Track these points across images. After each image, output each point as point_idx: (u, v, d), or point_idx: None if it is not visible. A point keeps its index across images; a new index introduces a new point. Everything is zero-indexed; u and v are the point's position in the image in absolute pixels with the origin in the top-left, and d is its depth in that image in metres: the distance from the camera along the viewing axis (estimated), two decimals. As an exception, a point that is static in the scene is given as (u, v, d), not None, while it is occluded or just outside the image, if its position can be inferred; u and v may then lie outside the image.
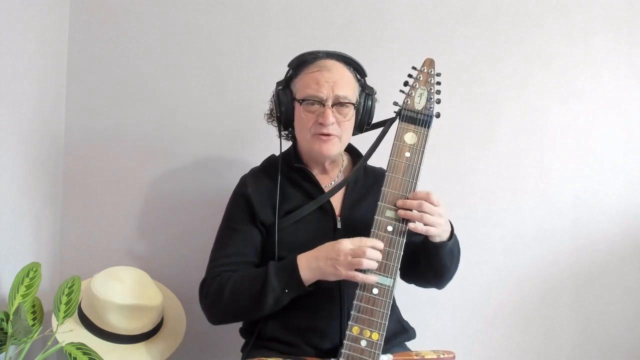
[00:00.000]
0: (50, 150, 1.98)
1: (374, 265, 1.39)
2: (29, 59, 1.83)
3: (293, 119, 1.61)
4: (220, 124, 2.04)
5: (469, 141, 2.06)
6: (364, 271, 1.39)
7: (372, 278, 1.39)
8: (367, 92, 1.62)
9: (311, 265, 1.45)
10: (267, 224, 1.59)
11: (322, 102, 1.54)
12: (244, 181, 1.68)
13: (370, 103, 1.62)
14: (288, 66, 1.63)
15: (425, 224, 1.43)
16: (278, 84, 1.64)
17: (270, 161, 1.71)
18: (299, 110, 1.58)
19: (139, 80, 2.04)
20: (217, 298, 1.53)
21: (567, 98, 2.06)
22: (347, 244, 1.41)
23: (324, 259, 1.43)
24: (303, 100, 1.56)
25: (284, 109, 1.60)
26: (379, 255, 1.39)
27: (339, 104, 1.55)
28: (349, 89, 1.57)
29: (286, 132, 1.69)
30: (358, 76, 1.61)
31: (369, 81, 1.64)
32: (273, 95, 1.66)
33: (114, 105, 2.04)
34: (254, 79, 2.02)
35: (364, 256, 1.38)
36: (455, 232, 1.54)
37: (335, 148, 1.58)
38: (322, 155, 1.59)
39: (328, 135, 1.55)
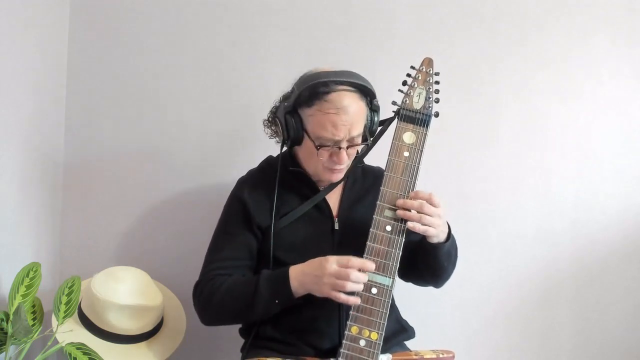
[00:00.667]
0: (50, 150, 1.98)
1: (357, 288, 1.38)
2: (29, 59, 1.83)
3: (300, 143, 1.56)
4: (220, 124, 2.04)
5: (469, 141, 2.05)
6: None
7: (353, 300, 1.38)
8: (373, 109, 1.57)
9: (299, 278, 1.45)
10: (264, 227, 1.59)
11: (337, 145, 1.52)
12: (240, 184, 1.68)
13: (376, 119, 1.58)
14: (296, 88, 1.54)
15: (423, 224, 1.43)
16: (285, 105, 1.55)
17: (268, 163, 1.71)
18: (312, 146, 1.52)
19: (139, 80, 2.04)
20: (209, 302, 1.54)
21: (567, 98, 2.06)
22: (333, 264, 1.39)
23: (310, 275, 1.43)
24: (320, 144, 1.51)
25: (292, 135, 1.54)
26: (364, 278, 1.38)
27: (352, 143, 1.53)
28: (362, 123, 1.53)
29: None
30: (368, 99, 1.55)
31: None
32: (276, 111, 1.61)
33: (114, 105, 2.04)
34: (254, 79, 2.02)
35: (347, 279, 1.37)
36: (452, 233, 1.54)
37: (343, 174, 1.60)
38: (331, 182, 1.60)
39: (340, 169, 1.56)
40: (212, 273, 1.58)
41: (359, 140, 1.54)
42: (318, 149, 1.51)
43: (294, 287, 1.45)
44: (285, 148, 1.64)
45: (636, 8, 2.06)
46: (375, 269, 1.39)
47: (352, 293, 1.38)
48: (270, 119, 1.66)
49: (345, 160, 1.54)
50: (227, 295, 1.52)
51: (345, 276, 1.36)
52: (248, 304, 1.48)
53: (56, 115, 2.01)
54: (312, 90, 1.49)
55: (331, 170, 1.56)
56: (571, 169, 2.06)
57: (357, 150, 1.61)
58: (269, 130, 1.68)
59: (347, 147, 1.53)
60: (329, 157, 1.53)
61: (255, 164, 1.75)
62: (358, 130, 1.52)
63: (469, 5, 2.06)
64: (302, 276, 1.45)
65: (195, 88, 2.04)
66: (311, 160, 1.57)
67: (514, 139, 2.06)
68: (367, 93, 1.53)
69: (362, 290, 1.39)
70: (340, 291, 1.38)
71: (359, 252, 1.41)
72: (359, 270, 1.38)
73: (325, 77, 1.50)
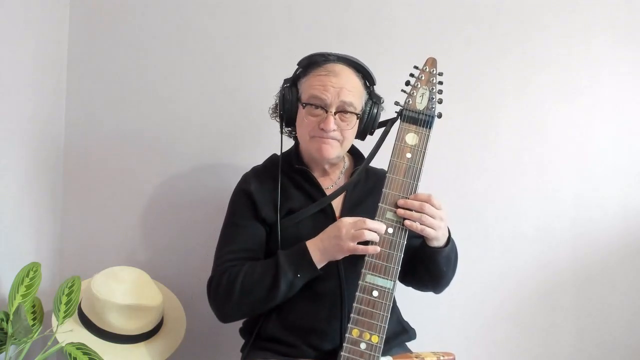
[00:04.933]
0: (50, 150, 1.98)
1: (375, 237, 1.40)
2: (29, 59, 1.83)
3: (295, 118, 1.61)
4: (220, 124, 2.04)
5: (469, 141, 2.05)
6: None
7: (373, 248, 1.39)
8: (373, 101, 1.60)
9: (318, 246, 1.47)
10: (269, 222, 1.59)
11: (325, 108, 1.53)
12: (246, 178, 1.67)
13: (375, 111, 1.60)
14: (297, 65, 1.61)
15: (422, 225, 1.43)
16: (285, 80, 1.63)
17: (272, 160, 1.71)
18: (302, 112, 1.57)
19: (139, 80, 2.04)
20: (229, 293, 1.51)
21: (567, 98, 2.06)
22: (348, 219, 1.44)
23: (328, 238, 1.46)
24: (307, 103, 1.54)
25: (287, 107, 1.59)
26: (381, 228, 1.40)
27: (342, 111, 1.53)
28: (355, 96, 1.54)
29: (289, 129, 1.69)
30: (367, 83, 1.59)
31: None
32: (280, 91, 1.65)
33: (114, 105, 2.04)
34: (255, 80, 2.02)
35: (364, 226, 1.40)
36: (453, 237, 1.54)
37: (334, 151, 1.57)
38: (321, 157, 1.57)
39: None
40: (225, 265, 1.55)
41: (351, 110, 1.54)
42: (304, 107, 1.54)
43: (315, 257, 1.46)
44: (285, 132, 1.66)
45: (636, 8, 2.06)
46: (376, 272, 1.39)
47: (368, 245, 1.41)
48: (275, 103, 1.68)
49: (332, 128, 1.52)
50: (247, 281, 1.50)
51: (362, 224, 1.40)
52: (271, 285, 1.47)
53: (56, 116, 2.01)
54: (310, 60, 1.57)
55: (320, 139, 1.55)
56: (571, 169, 2.06)
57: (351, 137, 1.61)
58: (274, 114, 1.69)
59: (336, 113, 1.53)
60: (317, 125, 1.54)
61: (255, 163, 1.75)
62: (348, 97, 1.53)
63: (469, 5, 2.06)
64: (320, 243, 1.47)
65: (195, 87, 2.04)
66: (303, 134, 1.58)
67: (514, 138, 2.06)
68: (365, 75, 1.58)
69: (364, 293, 1.38)
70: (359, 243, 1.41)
71: (362, 252, 1.43)
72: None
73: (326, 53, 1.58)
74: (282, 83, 1.64)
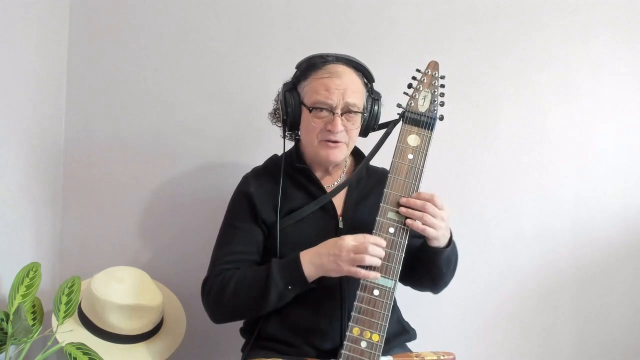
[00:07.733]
0: (50, 150, 1.98)
1: (376, 262, 1.38)
2: (29, 60, 1.83)
3: (299, 122, 1.60)
4: (220, 125, 2.04)
5: (469, 141, 2.06)
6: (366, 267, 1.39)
7: (374, 274, 1.38)
8: (373, 98, 1.61)
9: (314, 261, 1.45)
10: (269, 223, 1.59)
11: (331, 110, 1.53)
12: (246, 179, 1.67)
13: (376, 108, 1.61)
14: (296, 68, 1.61)
15: (424, 224, 1.42)
16: (285, 85, 1.62)
17: (273, 161, 1.71)
18: (307, 116, 1.56)
19: (139, 80, 2.04)
20: (220, 296, 1.52)
21: (567, 98, 2.06)
22: (350, 240, 1.41)
23: (327, 255, 1.43)
24: (312, 107, 1.54)
25: (290, 111, 1.58)
26: (381, 252, 1.39)
27: (347, 111, 1.54)
28: (358, 95, 1.55)
29: (290, 133, 1.68)
30: (366, 81, 1.60)
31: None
32: (278, 95, 1.65)
33: (114, 105, 2.04)
34: (255, 81, 2.02)
35: (366, 252, 1.38)
36: (454, 239, 1.54)
37: (341, 154, 1.58)
38: (329, 161, 1.59)
39: (335, 142, 1.55)
40: (220, 268, 1.56)
41: (355, 110, 1.55)
42: (311, 111, 1.53)
43: (308, 270, 1.44)
44: (287, 135, 1.66)
45: (636, 8, 2.06)
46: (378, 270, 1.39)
47: (369, 269, 1.39)
48: (274, 108, 1.68)
49: (340, 129, 1.53)
50: (238, 287, 1.50)
51: (364, 249, 1.38)
52: (261, 294, 1.47)
53: (56, 116, 2.01)
54: (309, 62, 1.58)
55: (327, 145, 1.55)
56: (571, 169, 2.07)
57: (355, 132, 1.61)
58: (274, 119, 1.69)
59: (342, 114, 1.53)
60: (323, 127, 1.54)
61: (255, 164, 1.75)
62: (352, 98, 1.53)
63: (469, 5, 2.06)
64: (317, 258, 1.44)
65: (195, 88, 2.04)
66: (310, 138, 1.58)
67: (514, 138, 2.06)
68: (364, 74, 1.58)
69: (365, 292, 1.39)
70: (358, 266, 1.39)
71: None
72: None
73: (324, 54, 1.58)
74: (281, 87, 1.64)
